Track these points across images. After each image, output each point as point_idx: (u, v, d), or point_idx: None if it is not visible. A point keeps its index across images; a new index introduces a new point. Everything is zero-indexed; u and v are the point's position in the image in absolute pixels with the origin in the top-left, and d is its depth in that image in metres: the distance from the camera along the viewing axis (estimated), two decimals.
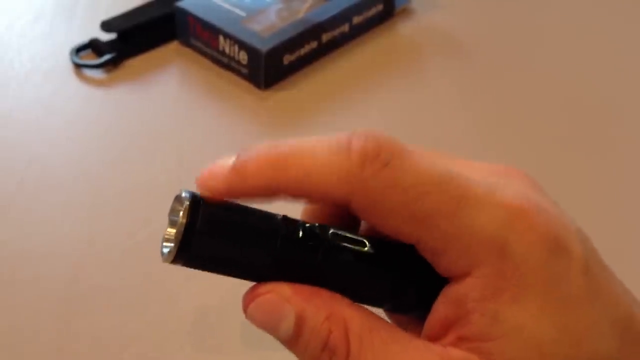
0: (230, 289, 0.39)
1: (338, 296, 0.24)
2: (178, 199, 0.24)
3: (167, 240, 0.23)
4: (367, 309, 0.24)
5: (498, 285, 0.22)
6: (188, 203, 0.23)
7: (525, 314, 0.22)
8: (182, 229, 0.22)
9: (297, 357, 0.24)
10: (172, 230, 0.23)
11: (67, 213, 0.42)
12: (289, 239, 0.23)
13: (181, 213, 0.23)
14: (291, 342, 0.24)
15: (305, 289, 0.24)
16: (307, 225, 0.24)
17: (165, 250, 0.23)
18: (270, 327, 0.24)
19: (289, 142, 0.24)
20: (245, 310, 0.24)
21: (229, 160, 0.24)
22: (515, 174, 0.25)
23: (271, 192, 0.23)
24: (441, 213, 0.22)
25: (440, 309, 0.23)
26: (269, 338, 0.38)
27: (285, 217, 0.24)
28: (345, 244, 0.24)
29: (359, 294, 0.24)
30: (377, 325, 0.23)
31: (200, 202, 0.23)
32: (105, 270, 0.40)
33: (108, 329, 0.37)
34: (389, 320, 0.24)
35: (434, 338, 0.23)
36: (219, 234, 0.23)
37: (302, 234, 0.24)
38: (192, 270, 0.42)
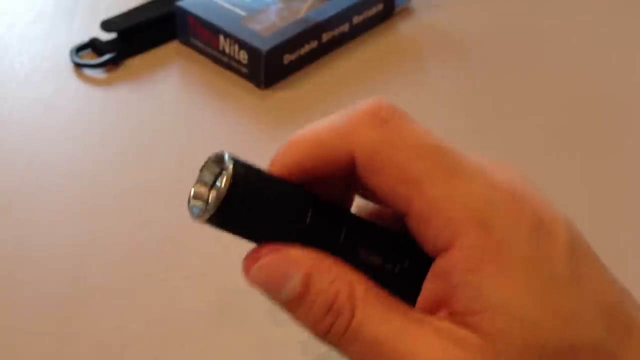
0: (230, 289, 0.39)
1: (342, 262, 0.24)
2: (218, 159, 0.24)
3: (200, 199, 0.24)
4: (369, 278, 0.24)
5: (481, 258, 0.22)
6: (232, 168, 0.23)
7: (509, 290, 0.22)
8: (223, 194, 0.22)
9: (296, 319, 0.24)
10: (206, 190, 0.24)
11: (67, 213, 0.42)
12: (318, 214, 0.24)
13: (224, 178, 0.23)
14: (293, 304, 0.24)
15: (312, 252, 0.24)
16: (333, 204, 0.25)
17: (197, 210, 0.24)
18: (274, 287, 0.24)
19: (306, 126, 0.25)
20: (247, 270, 0.24)
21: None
22: (509, 168, 0.25)
23: (295, 169, 0.25)
24: (432, 179, 0.23)
25: (429, 286, 0.24)
26: (269, 338, 0.38)
27: (315, 195, 0.25)
28: (363, 227, 0.25)
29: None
30: (380, 293, 0.24)
31: (243, 168, 0.23)
32: (105, 270, 0.40)
33: (108, 329, 0.37)
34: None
35: (429, 313, 0.24)
36: (256, 202, 0.23)
37: (329, 212, 0.25)
38: (192, 270, 0.42)
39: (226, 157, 0.23)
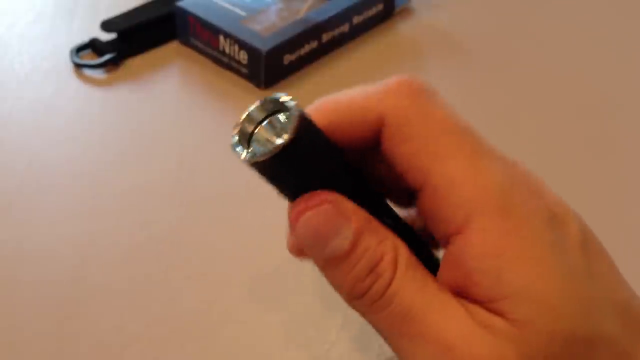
0: (230, 289, 0.39)
1: (387, 226, 0.24)
2: (283, 105, 0.23)
3: (256, 141, 0.23)
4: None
5: (500, 241, 0.22)
6: (297, 117, 0.22)
7: (531, 275, 0.21)
8: (285, 143, 0.21)
9: (334, 279, 0.24)
10: (265, 134, 0.23)
11: (67, 213, 0.42)
12: (359, 176, 0.25)
13: (289, 127, 0.21)
14: (337, 260, 0.23)
15: (363, 211, 0.24)
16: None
17: (252, 150, 0.23)
18: (322, 240, 0.23)
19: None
20: (296, 220, 0.23)
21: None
22: (522, 164, 0.25)
23: (328, 129, 0.24)
24: (455, 156, 0.23)
25: (445, 275, 0.23)
26: (270, 337, 0.38)
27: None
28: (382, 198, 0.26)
29: None
30: (419, 265, 0.24)
31: (307, 121, 0.22)
32: (105, 270, 0.40)
33: (108, 329, 0.37)
34: None
35: None
36: (316, 151, 0.23)
37: (363, 177, 0.25)
38: (192, 270, 0.42)
39: (291, 103, 0.22)
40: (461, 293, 0.23)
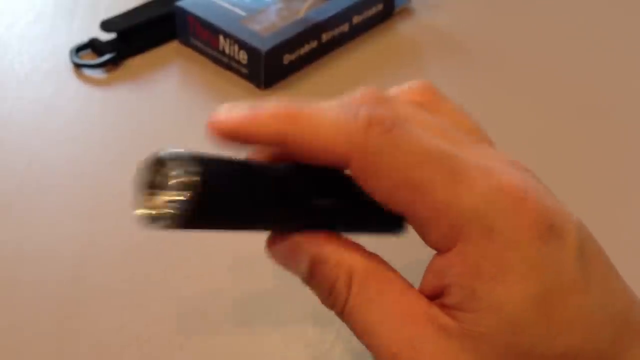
0: (230, 288, 0.39)
1: (349, 241, 0.25)
2: (179, 162, 0.22)
3: (157, 207, 0.23)
4: (376, 257, 0.25)
5: (479, 264, 0.22)
6: (199, 180, 0.21)
7: (505, 295, 0.22)
8: (195, 194, 0.21)
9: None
10: (161, 195, 0.22)
11: (67, 213, 0.42)
12: (279, 188, 0.24)
13: (189, 194, 0.21)
14: (307, 283, 0.26)
15: (319, 236, 0.25)
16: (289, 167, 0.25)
17: (165, 218, 0.22)
18: (289, 268, 0.26)
19: (305, 103, 0.25)
20: (269, 248, 0.26)
21: (245, 106, 0.25)
22: (519, 165, 0.25)
23: (278, 140, 0.24)
24: (435, 184, 0.23)
25: (428, 279, 0.24)
26: (271, 338, 0.38)
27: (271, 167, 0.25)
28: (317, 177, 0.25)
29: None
30: (378, 274, 0.25)
31: (207, 175, 0.22)
32: (105, 270, 0.40)
33: (108, 329, 0.37)
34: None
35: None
36: (226, 197, 0.23)
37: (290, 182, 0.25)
38: (192, 270, 0.42)
39: (189, 164, 0.22)
40: (438, 296, 0.24)
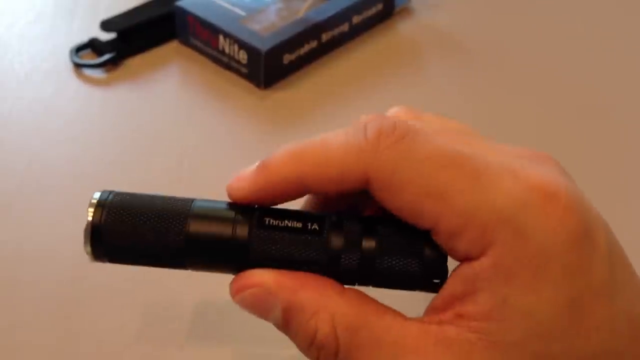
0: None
1: (328, 283, 0.23)
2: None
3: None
4: (359, 295, 0.23)
5: (512, 269, 0.21)
6: (96, 203, 0.25)
7: (537, 301, 0.21)
8: (88, 235, 0.25)
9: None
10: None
11: (67, 213, 0.42)
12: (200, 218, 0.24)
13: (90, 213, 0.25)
14: (282, 330, 0.24)
15: (292, 278, 0.23)
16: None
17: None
18: (260, 315, 0.24)
19: (309, 139, 0.24)
20: (233, 298, 0.24)
21: (252, 169, 0.24)
22: (544, 158, 0.24)
23: (295, 184, 0.23)
24: (457, 188, 0.22)
25: (448, 286, 0.23)
26: (271, 337, 0.38)
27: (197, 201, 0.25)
28: (271, 219, 0.24)
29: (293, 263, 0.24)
30: (369, 315, 0.23)
31: (105, 200, 0.25)
32: (105, 270, 0.39)
33: (108, 329, 0.37)
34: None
35: (437, 311, 0.23)
36: (124, 233, 0.24)
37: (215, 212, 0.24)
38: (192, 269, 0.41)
39: (94, 195, 0.25)
40: (455, 303, 0.22)
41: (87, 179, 0.45)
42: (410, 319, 0.23)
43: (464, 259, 0.22)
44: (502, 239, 0.21)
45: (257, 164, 0.24)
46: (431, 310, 0.23)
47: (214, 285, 0.39)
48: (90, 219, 0.25)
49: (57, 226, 0.42)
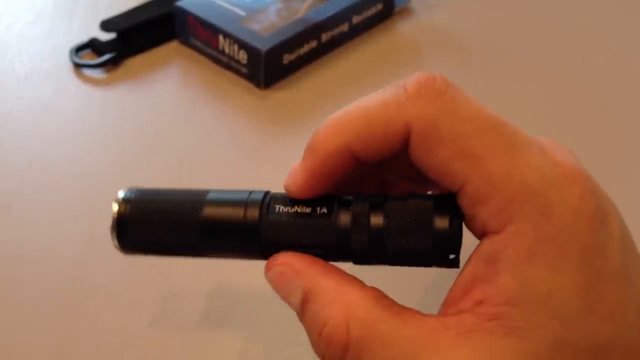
0: (231, 288, 0.40)
1: (350, 277, 0.24)
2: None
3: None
4: (379, 293, 0.23)
5: (536, 248, 0.21)
6: (120, 199, 0.28)
7: (558, 283, 0.21)
8: (114, 226, 0.28)
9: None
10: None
11: (67, 213, 0.42)
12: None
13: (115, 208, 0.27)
14: (299, 316, 0.24)
15: (320, 265, 0.24)
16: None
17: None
18: (282, 297, 0.25)
19: (347, 106, 0.24)
20: (265, 274, 0.25)
21: (301, 165, 0.25)
22: (560, 145, 0.24)
23: (343, 154, 0.23)
24: (492, 154, 0.22)
25: (470, 267, 0.22)
26: (271, 338, 0.38)
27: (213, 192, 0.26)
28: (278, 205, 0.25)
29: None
30: (387, 311, 0.22)
31: (129, 197, 0.27)
32: (105, 270, 0.40)
33: (108, 329, 0.37)
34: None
35: (456, 300, 0.23)
36: (146, 223, 0.27)
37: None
38: (192, 269, 0.42)
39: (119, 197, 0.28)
40: (477, 286, 0.22)
41: (87, 179, 0.45)
42: (429, 315, 0.23)
43: (483, 232, 0.22)
44: (527, 213, 0.21)
45: (305, 156, 0.24)
46: (449, 301, 0.23)
47: (215, 285, 0.39)
48: (115, 213, 0.27)
49: (57, 226, 0.42)
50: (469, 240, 0.24)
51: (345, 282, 0.23)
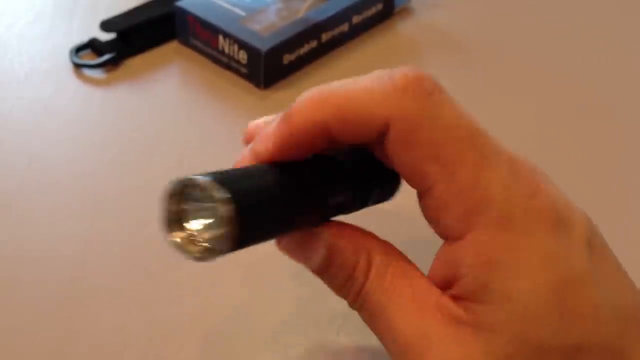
0: (231, 288, 0.40)
1: (363, 230, 0.25)
2: (209, 195, 0.21)
3: (187, 238, 0.22)
4: (390, 244, 0.25)
5: (493, 256, 0.22)
6: (234, 209, 0.20)
7: (520, 286, 0.22)
8: (230, 237, 0.21)
9: (325, 283, 0.26)
10: (205, 233, 0.22)
11: (67, 213, 0.42)
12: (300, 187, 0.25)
13: (227, 228, 0.21)
14: (321, 273, 0.25)
15: (334, 224, 0.25)
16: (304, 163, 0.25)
17: (190, 250, 0.22)
18: (302, 259, 0.25)
19: (335, 82, 0.24)
20: (279, 243, 0.26)
21: (274, 122, 0.25)
22: (529, 161, 0.25)
23: (319, 129, 0.23)
24: (463, 163, 0.22)
25: (437, 268, 0.24)
26: (271, 338, 0.38)
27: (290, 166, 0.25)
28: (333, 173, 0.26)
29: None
30: (395, 259, 0.24)
31: (241, 205, 0.21)
32: (105, 270, 0.40)
33: (108, 329, 0.37)
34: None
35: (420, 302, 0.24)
36: (260, 229, 0.23)
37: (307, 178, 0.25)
38: (192, 269, 0.42)
39: (222, 194, 0.21)
40: (449, 286, 0.23)
41: (87, 179, 0.45)
42: (424, 277, 0.25)
43: (445, 236, 0.23)
44: (486, 224, 0.22)
45: (277, 118, 0.25)
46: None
47: (215, 284, 0.39)
48: (232, 231, 0.21)
49: (57, 226, 0.42)
50: (436, 241, 0.25)
51: (361, 231, 0.25)
